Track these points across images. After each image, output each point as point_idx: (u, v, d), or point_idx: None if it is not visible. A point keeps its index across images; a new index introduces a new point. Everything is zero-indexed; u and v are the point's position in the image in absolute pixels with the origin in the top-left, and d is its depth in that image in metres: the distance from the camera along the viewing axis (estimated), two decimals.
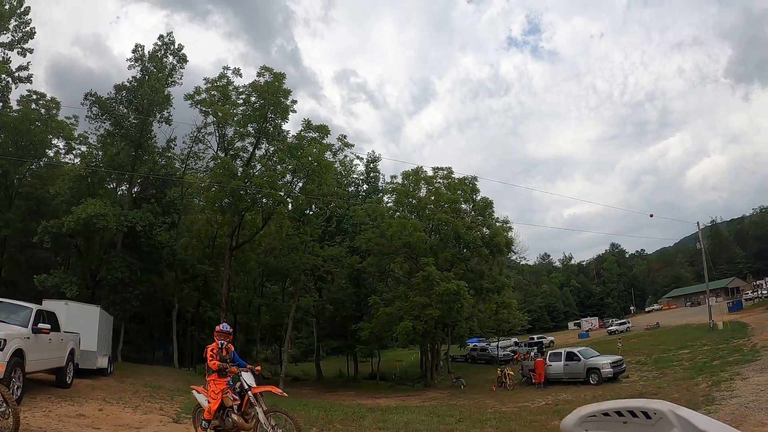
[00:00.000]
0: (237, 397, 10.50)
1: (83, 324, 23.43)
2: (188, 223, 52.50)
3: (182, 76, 44.04)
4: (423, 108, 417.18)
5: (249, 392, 10.33)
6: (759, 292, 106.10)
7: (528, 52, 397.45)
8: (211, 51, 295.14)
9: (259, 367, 11.99)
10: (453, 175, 52.00)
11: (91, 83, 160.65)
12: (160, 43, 43.16)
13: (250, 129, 43.21)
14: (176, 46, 43.48)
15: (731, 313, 79.73)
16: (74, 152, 47.51)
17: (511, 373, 39.24)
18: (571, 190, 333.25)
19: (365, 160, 61.85)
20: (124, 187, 47.02)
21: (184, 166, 50.93)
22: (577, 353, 35.95)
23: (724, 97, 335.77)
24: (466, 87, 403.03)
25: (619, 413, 3.41)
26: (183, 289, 50.85)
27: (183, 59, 43.84)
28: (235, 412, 10.38)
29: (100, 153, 45.17)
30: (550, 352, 41.83)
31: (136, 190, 46.09)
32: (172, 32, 44.96)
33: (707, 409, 17.41)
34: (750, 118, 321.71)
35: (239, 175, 41.77)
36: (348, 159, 57.05)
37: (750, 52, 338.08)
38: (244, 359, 11.70)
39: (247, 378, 10.53)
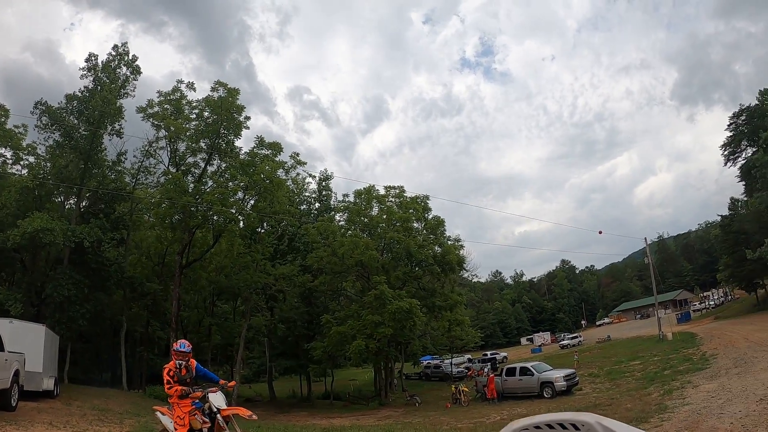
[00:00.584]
0: (207, 419, 9.85)
1: (28, 343, 22.61)
2: (137, 240, 51.17)
3: (135, 87, 42.61)
4: (376, 126, 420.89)
5: (218, 415, 9.79)
6: (706, 304, 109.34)
7: (481, 73, 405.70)
8: (164, 63, 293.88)
9: (233, 382, 11.48)
10: (405, 194, 52.24)
11: (42, 91, 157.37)
12: (114, 53, 41.80)
13: (202, 144, 42.73)
14: (130, 57, 42.16)
15: (680, 324, 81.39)
16: (22, 163, 45.20)
17: (466, 389, 39.17)
18: (521, 208, 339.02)
19: (317, 178, 61.54)
20: (72, 201, 45.43)
21: (134, 180, 49.46)
22: (531, 368, 36.42)
23: (670, 117, 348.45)
24: (419, 106, 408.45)
25: (549, 426, 3.41)
26: (132, 308, 49.39)
27: (137, 70, 42.52)
28: None
29: (49, 165, 43.39)
30: (504, 367, 42.11)
31: (84, 204, 44.66)
32: (126, 42, 43.73)
33: (660, 417, 17.74)
34: (695, 138, 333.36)
35: (190, 191, 41.21)
36: (300, 177, 56.72)
37: (694, 76, 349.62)
38: None
39: (215, 399, 9.97)
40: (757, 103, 76.26)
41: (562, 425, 3.47)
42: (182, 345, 10.44)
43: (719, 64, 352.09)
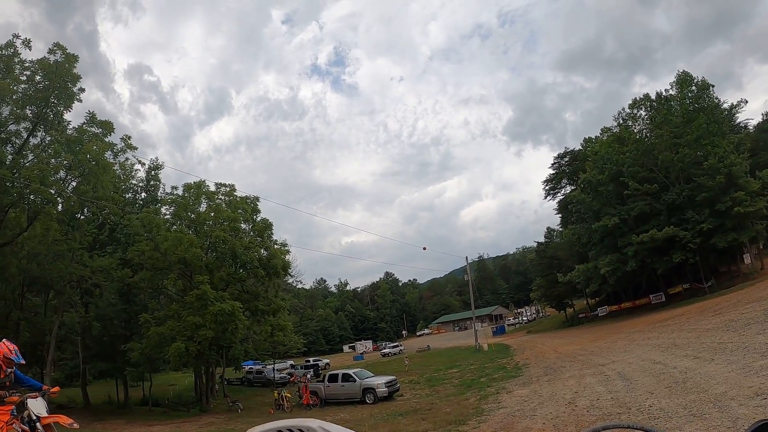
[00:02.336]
0: (26, 427, 8.86)
1: None
2: None
3: None
4: (216, 120, 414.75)
5: (38, 423, 8.80)
6: (519, 319, 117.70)
7: (329, 81, 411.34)
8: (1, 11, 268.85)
9: (56, 389, 10.40)
10: (236, 193, 51.52)
11: None
12: None
13: (28, 112, 38.27)
14: None
15: (495, 336, 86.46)
16: None
17: (288, 395, 39.21)
18: (351, 219, 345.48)
19: (147, 166, 57.31)
20: None
21: None
22: (353, 374, 37.18)
23: (500, 150, 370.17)
24: (262, 105, 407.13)
25: (280, 431, 3.56)
26: None
27: None
28: None
29: None
30: (326, 373, 42.35)
31: None
32: None
33: (478, 419, 18.42)
34: (521, 171, 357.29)
35: (8, 163, 37.17)
36: (129, 162, 52.34)
37: (528, 116, 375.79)
38: None
39: (35, 406, 8.96)
40: (580, 148, 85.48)
41: (291, 430, 3.75)
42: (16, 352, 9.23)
43: (551, 110, 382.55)
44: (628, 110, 73.73)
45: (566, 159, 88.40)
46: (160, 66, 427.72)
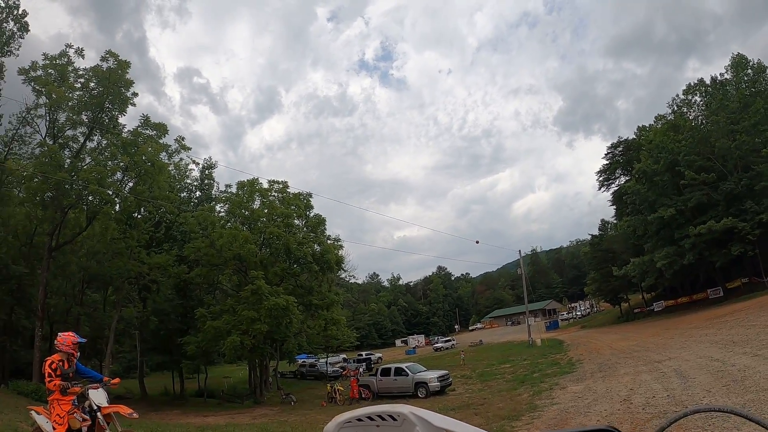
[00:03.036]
0: (87, 417, 9.15)
1: None
2: (5, 217, 47.04)
3: (20, 46, 38.94)
4: (266, 118, 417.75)
5: (98, 413, 9.10)
6: (573, 314, 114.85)
7: (377, 76, 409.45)
8: (53, 24, 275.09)
9: (117, 380, 10.72)
10: (288, 190, 51.87)
11: None
12: (2, 4, 37.99)
13: (84, 117, 40.02)
14: (20, 12, 38.44)
15: (548, 331, 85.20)
16: None
17: (341, 388, 39.15)
18: (403, 213, 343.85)
19: (201, 166, 59.33)
20: None
21: (6, 149, 45.05)
22: (406, 369, 36.89)
23: (551, 141, 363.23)
24: (312, 102, 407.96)
25: (370, 418, 3.46)
26: None
27: (24, 27, 38.85)
28: None
29: None
30: (379, 367, 42.43)
31: None
32: None
33: (531, 415, 18.26)
34: (574, 162, 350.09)
35: (66, 167, 38.52)
36: (183, 162, 54.17)
37: (578, 106, 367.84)
38: None
39: (96, 396, 9.27)
40: (634, 137, 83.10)
41: (381, 417, 3.62)
42: (68, 336, 9.66)
43: (603, 98, 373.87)
44: (682, 96, 71.34)
45: (620, 148, 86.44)
46: (209, 68, 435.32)
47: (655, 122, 76.63)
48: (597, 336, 60.61)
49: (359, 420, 3.67)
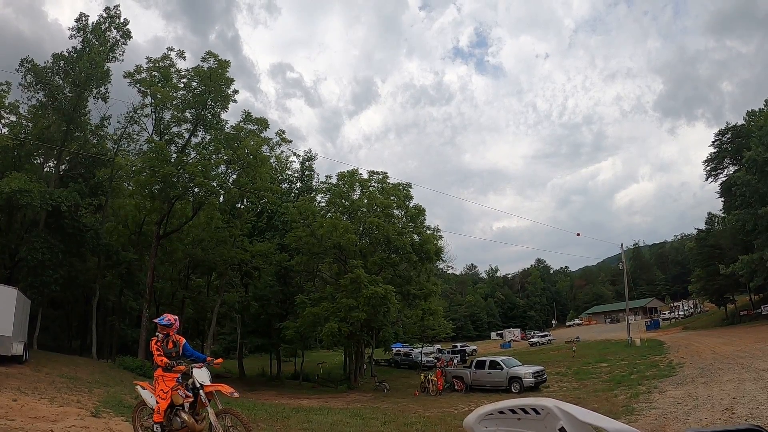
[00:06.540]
0: (190, 394, 9.66)
1: None
2: (116, 207, 50.43)
3: (124, 52, 42.03)
4: (363, 109, 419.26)
5: (201, 391, 9.60)
6: (676, 314, 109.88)
7: (473, 64, 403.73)
8: (149, 30, 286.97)
9: (220, 360, 11.24)
10: (388, 180, 52.00)
11: (22, 48, 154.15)
12: (105, 14, 41.02)
13: (188, 115, 42.22)
14: (121, 20, 41.43)
15: (648, 331, 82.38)
16: (2, 121, 44.54)
17: (435, 378, 39.02)
18: (501, 204, 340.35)
19: (301, 158, 61.24)
20: (51, 164, 44.92)
21: (116, 146, 48.66)
22: (500, 362, 36.49)
23: (653, 128, 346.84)
24: (408, 92, 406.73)
25: (512, 411, 3.55)
26: (105, 276, 48.16)
27: (127, 35, 41.83)
28: (186, 411, 9.55)
29: (30, 125, 42.85)
30: (473, 360, 42.19)
31: (64, 167, 43.86)
32: (118, 5, 42.48)
33: (627, 419, 17.69)
34: (679, 150, 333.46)
35: (172, 161, 40.68)
36: (284, 155, 56.33)
37: (680, 89, 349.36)
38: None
39: (199, 375, 9.72)
40: (743, 122, 77.07)
41: (524, 410, 3.65)
42: (161, 319, 10.32)
43: (705, 80, 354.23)
44: None
45: (728, 135, 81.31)
46: (302, 62, 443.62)
47: (765, 106, 71.88)
48: (699, 339, 58.44)
49: (501, 413, 3.81)
